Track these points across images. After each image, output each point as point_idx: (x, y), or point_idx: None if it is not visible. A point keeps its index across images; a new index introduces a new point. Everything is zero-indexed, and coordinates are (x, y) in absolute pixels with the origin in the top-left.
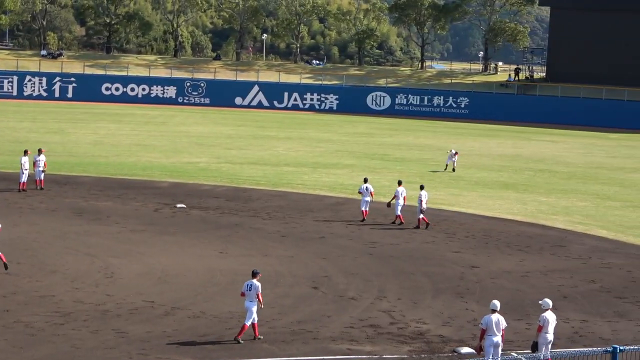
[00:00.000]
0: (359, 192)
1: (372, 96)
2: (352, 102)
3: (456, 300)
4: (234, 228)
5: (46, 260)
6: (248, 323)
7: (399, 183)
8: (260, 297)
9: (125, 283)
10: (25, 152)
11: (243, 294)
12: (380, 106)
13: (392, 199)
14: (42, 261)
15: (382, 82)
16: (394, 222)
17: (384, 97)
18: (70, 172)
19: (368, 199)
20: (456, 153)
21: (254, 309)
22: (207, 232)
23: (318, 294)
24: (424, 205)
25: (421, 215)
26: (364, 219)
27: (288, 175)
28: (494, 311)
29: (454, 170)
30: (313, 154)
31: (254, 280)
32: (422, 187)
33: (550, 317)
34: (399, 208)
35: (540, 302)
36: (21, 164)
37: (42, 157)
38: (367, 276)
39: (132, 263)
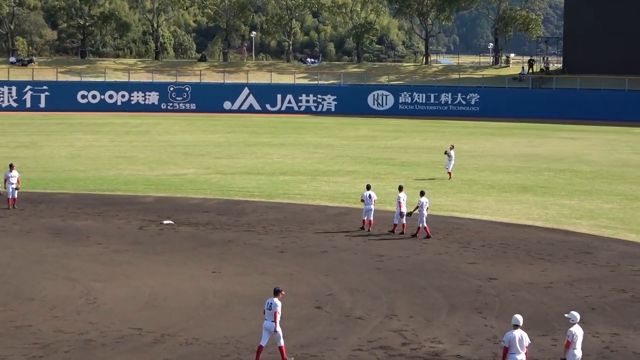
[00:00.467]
0: (362, 200)
1: (374, 95)
2: (351, 103)
3: (474, 316)
4: (227, 245)
5: (22, 286)
6: (281, 343)
7: (400, 189)
8: (277, 318)
9: (109, 309)
10: None
11: (264, 312)
12: (382, 106)
13: (415, 208)
14: (18, 288)
15: (383, 79)
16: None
17: (386, 96)
18: (45, 189)
19: (371, 207)
20: (452, 147)
21: (279, 328)
22: (197, 250)
23: (322, 314)
24: (425, 212)
25: (423, 224)
26: (363, 228)
27: (284, 185)
28: (516, 327)
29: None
30: (311, 160)
31: (275, 299)
32: (422, 193)
33: (579, 331)
34: (399, 216)
35: (566, 315)
36: None
37: (15, 173)
38: (375, 293)
39: (117, 287)
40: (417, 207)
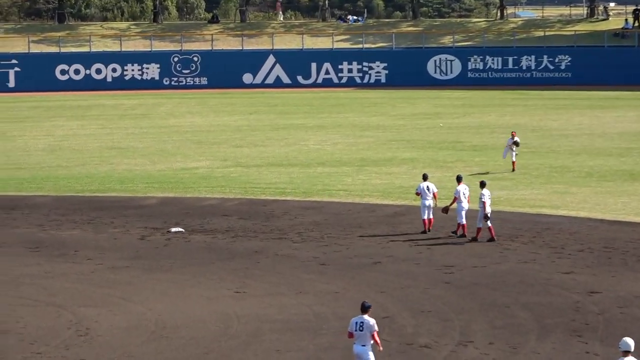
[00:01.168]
0: (417, 193)
1: (435, 61)
2: (406, 72)
3: (571, 340)
4: (254, 257)
5: None
6: None
7: (459, 180)
8: (377, 338)
9: (106, 341)
10: None
11: (351, 335)
12: (446, 74)
13: (452, 202)
14: None
15: (447, 40)
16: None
17: (451, 61)
18: (18, 192)
19: (430, 202)
20: (514, 137)
21: (370, 355)
22: (215, 264)
23: None
24: (488, 209)
25: (486, 223)
26: (425, 231)
27: (324, 178)
28: (626, 353)
29: (513, 168)
30: (357, 147)
31: (365, 317)
32: (482, 185)
33: None
34: (463, 213)
35: None
36: None
37: None
38: (444, 314)
39: (114, 313)
40: (483, 202)
